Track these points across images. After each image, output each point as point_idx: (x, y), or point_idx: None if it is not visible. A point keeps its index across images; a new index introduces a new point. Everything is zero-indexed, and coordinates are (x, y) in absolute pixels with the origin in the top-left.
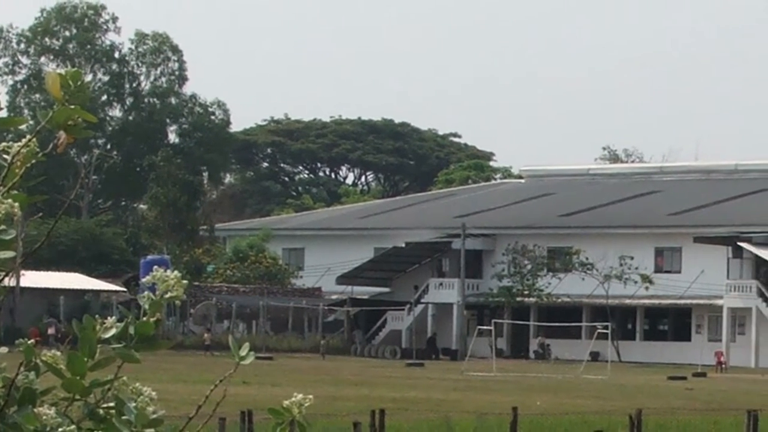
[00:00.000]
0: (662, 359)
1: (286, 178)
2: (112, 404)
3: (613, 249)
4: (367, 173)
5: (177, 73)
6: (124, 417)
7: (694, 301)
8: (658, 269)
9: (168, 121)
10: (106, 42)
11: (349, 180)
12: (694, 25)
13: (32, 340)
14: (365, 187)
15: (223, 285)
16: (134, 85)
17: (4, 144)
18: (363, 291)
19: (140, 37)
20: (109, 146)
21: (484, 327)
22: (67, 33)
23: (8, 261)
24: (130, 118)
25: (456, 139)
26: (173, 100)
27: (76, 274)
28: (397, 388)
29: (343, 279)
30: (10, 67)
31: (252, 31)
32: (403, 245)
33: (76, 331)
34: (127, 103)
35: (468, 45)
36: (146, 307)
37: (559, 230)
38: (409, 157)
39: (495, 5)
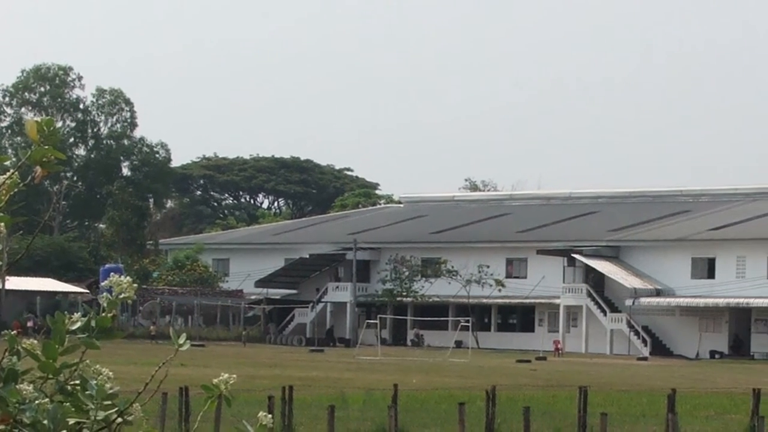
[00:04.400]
0: (512, 346)
1: (215, 204)
2: (77, 382)
3: (473, 259)
4: (279, 199)
5: (129, 120)
6: (87, 392)
7: (537, 301)
8: (508, 275)
9: (122, 158)
10: (73, 96)
11: (265, 205)
12: (533, 83)
13: (15, 331)
14: (278, 211)
15: (166, 287)
16: (95, 130)
17: None
18: (276, 292)
19: (100, 92)
20: (75, 178)
21: (371, 321)
22: (42, 89)
23: None
24: (92, 156)
25: (349, 173)
26: (126, 142)
27: (50, 279)
28: (302, 369)
29: (260, 283)
30: None
31: (188, 86)
32: (308, 256)
33: (49, 324)
34: (90, 144)
35: (358, 98)
36: (105, 305)
37: (430, 244)
38: (312, 187)
39: (379, 68)
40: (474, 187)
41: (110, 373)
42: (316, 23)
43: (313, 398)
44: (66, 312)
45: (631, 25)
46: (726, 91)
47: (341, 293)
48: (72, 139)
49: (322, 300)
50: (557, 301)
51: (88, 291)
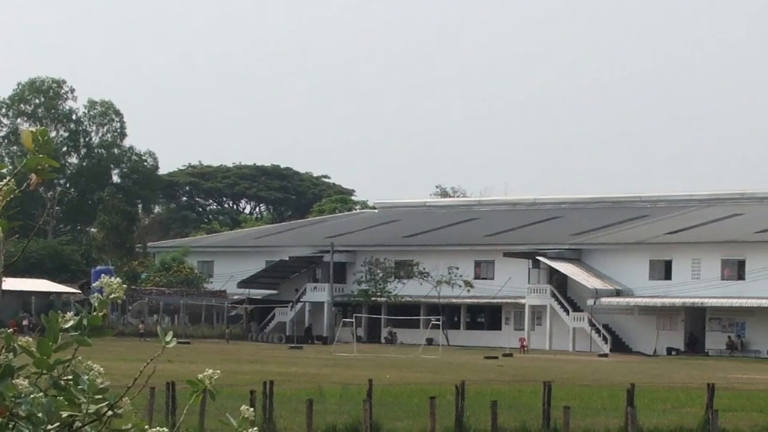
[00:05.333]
0: (480, 343)
1: (200, 209)
2: (70, 377)
3: (444, 261)
4: (260, 205)
5: (119, 130)
6: (79, 387)
7: (504, 300)
8: (477, 276)
9: (112, 166)
10: (66, 107)
11: (247, 210)
12: (501, 97)
13: (11, 330)
14: (259, 216)
15: (153, 288)
16: (87, 139)
17: None
18: (257, 293)
19: (91, 104)
20: (68, 185)
21: (348, 319)
22: (37, 100)
23: None
24: (84, 164)
25: (326, 180)
26: (116, 151)
27: (44, 280)
28: (282, 365)
29: (242, 284)
30: None
31: (175, 99)
32: (287, 259)
33: (44, 322)
34: (82, 153)
35: (335, 110)
36: (96, 304)
37: (403, 248)
38: (291, 193)
39: (355, 82)
40: (444, 194)
41: (101, 369)
42: (295, 39)
43: (292, 393)
44: (59, 311)
45: (591, 41)
46: (680, 105)
47: (319, 293)
48: (65, 148)
49: (301, 300)
50: (523, 300)
51: (80, 291)
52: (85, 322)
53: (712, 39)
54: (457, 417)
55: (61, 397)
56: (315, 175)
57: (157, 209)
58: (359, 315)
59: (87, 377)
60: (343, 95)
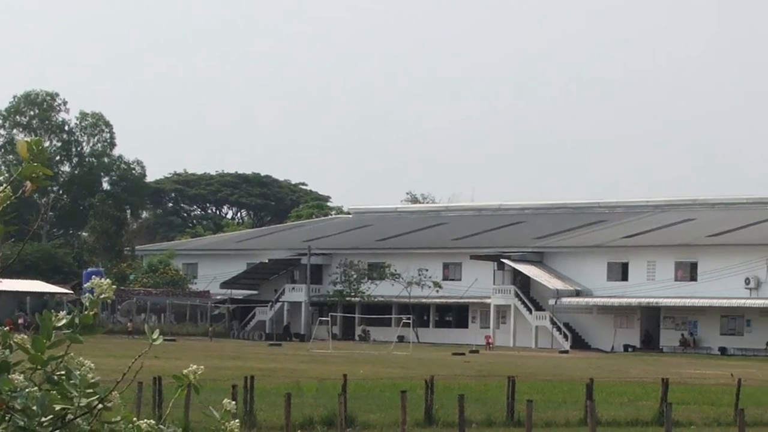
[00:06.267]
0: (448, 341)
1: (185, 214)
2: (63, 372)
3: (414, 264)
4: (242, 210)
5: (109, 140)
6: (71, 381)
7: (471, 300)
8: (445, 278)
9: (102, 174)
10: (59, 119)
11: (229, 215)
12: (467, 107)
13: (7, 328)
14: (240, 220)
15: (141, 289)
16: (78, 149)
17: None
18: (239, 293)
19: (83, 115)
20: (61, 192)
21: (324, 318)
22: (32, 112)
23: None
24: (76, 172)
25: (304, 187)
26: (106, 160)
27: (38, 281)
28: (262, 361)
29: (224, 284)
30: None
31: (161, 110)
32: (267, 261)
33: (38, 321)
34: (74, 161)
35: (312, 120)
36: (87, 304)
37: (376, 251)
38: (270, 199)
39: (330, 93)
40: (414, 200)
41: (92, 365)
42: (273, 55)
43: (271, 387)
44: (53, 310)
45: (551, 55)
46: (636, 118)
47: (297, 294)
48: (58, 158)
49: (280, 300)
50: (488, 300)
51: (72, 292)
52: (77, 320)
53: (665, 53)
54: (426, 410)
55: (55, 391)
56: (293, 182)
57: (144, 215)
58: (335, 314)
59: (79, 372)
60: (319, 108)
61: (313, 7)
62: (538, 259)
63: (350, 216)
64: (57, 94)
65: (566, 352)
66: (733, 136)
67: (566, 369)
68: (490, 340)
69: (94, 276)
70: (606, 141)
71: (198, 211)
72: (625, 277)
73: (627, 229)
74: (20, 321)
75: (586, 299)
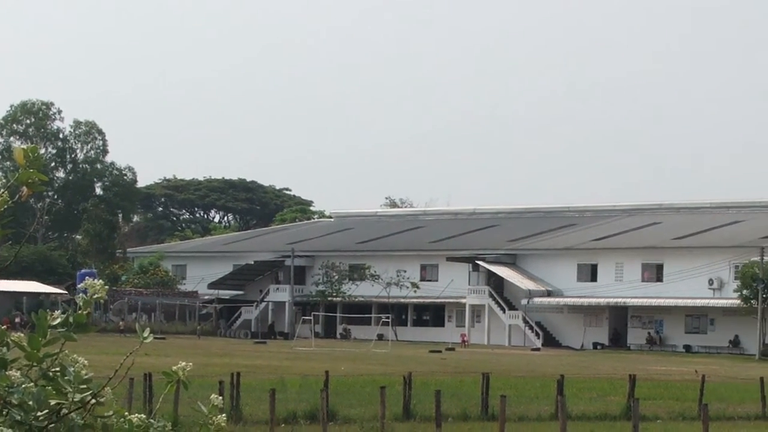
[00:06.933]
0: (425, 339)
1: (174, 218)
2: (58, 369)
3: (393, 265)
4: (228, 214)
5: (101, 147)
6: (66, 377)
7: (447, 300)
8: (422, 278)
9: (95, 180)
10: (54, 127)
11: (216, 219)
12: (444, 115)
13: (4, 326)
14: (227, 224)
15: (132, 289)
16: (72, 155)
17: None
18: (225, 293)
19: (77, 124)
20: (56, 197)
21: (306, 317)
22: (28, 121)
23: None
24: (70, 178)
25: (288, 192)
26: (99, 166)
27: (34, 282)
28: (248, 358)
29: (212, 285)
30: None
31: (151, 118)
32: (253, 263)
33: (34, 320)
34: (68, 168)
35: (296, 128)
36: (81, 304)
37: (356, 253)
38: (256, 204)
39: (312, 102)
40: (393, 204)
41: (85, 362)
42: (258, 63)
43: (257, 383)
44: (48, 310)
45: (524, 64)
46: (604, 126)
47: (281, 294)
48: (53, 164)
49: (265, 300)
50: (464, 300)
51: (66, 292)
52: (71, 319)
53: (626, 61)
54: (404, 405)
55: (50, 387)
56: (277, 187)
57: (135, 218)
58: (317, 313)
59: (73, 369)
60: (302, 116)
61: (297, 17)
62: (511, 260)
63: (332, 220)
64: (52, 104)
65: (538, 349)
66: (696, 142)
67: (538, 366)
68: (465, 338)
69: (87, 277)
70: (575, 148)
71: (186, 215)
72: (594, 278)
73: (596, 233)
74: (17, 320)
75: (557, 299)
